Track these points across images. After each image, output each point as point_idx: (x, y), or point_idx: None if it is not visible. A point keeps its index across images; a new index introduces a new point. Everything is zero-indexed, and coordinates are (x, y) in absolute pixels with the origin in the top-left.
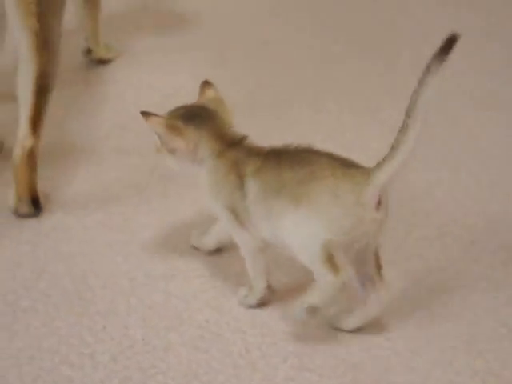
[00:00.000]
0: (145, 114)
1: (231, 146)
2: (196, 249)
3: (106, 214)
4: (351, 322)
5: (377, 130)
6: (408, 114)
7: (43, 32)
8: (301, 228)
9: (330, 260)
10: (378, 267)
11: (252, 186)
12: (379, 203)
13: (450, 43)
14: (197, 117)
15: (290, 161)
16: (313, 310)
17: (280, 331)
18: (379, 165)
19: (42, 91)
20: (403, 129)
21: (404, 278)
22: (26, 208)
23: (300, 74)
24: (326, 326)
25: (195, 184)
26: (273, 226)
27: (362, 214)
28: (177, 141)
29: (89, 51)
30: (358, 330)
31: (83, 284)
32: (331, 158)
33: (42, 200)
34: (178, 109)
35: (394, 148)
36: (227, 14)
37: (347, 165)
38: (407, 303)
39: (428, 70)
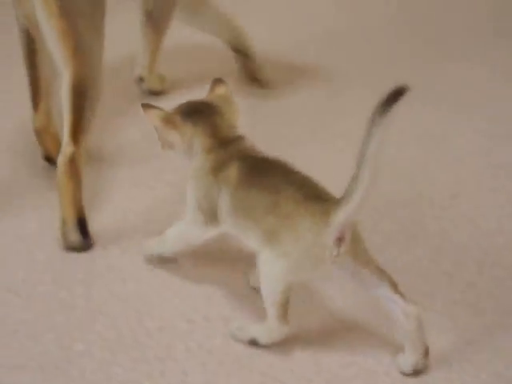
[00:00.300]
0: (145, 105)
1: (223, 144)
2: (256, 290)
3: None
4: (407, 361)
5: None
6: (358, 164)
7: (73, 33)
8: (268, 270)
9: (284, 307)
10: (394, 286)
11: (225, 195)
12: (341, 240)
13: (396, 95)
14: (197, 113)
15: (260, 182)
16: (254, 343)
17: (344, 378)
18: (334, 208)
19: (80, 97)
20: (354, 178)
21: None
22: (73, 235)
23: None
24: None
25: None
26: (240, 234)
27: (321, 253)
28: (172, 134)
29: (141, 79)
30: (422, 371)
31: (139, 327)
32: (300, 186)
33: (90, 229)
34: (182, 104)
35: (347, 193)
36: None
37: (312, 197)
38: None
39: (372, 121)
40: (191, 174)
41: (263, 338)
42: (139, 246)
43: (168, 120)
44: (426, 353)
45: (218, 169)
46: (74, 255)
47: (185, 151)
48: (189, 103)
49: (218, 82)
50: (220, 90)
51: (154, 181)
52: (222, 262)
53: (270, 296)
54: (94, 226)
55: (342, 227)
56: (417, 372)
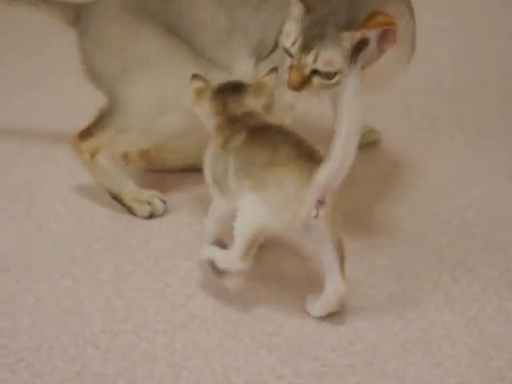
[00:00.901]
0: (194, 76)
1: (231, 122)
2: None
3: (247, 301)
4: (314, 308)
5: None
6: (335, 123)
7: None
8: (248, 208)
9: (250, 247)
10: (341, 259)
11: (231, 162)
12: (321, 202)
13: (361, 45)
14: (224, 91)
15: (261, 143)
16: (211, 263)
17: None
18: (319, 168)
19: None
20: (333, 138)
21: None
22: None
23: None
24: None
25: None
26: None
27: (297, 209)
28: (195, 104)
29: None
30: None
31: (225, 382)
32: (295, 145)
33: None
34: (223, 82)
35: (328, 153)
36: None
37: (305, 156)
38: None
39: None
40: (206, 155)
41: (220, 262)
42: (225, 295)
43: (197, 92)
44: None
45: (226, 143)
46: (154, 304)
47: (206, 123)
48: (226, 83)
49: (272, 71)
50: (266, 79)
51: None
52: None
53: (241, 231)
54: (178, 272)
55: (323, 188)
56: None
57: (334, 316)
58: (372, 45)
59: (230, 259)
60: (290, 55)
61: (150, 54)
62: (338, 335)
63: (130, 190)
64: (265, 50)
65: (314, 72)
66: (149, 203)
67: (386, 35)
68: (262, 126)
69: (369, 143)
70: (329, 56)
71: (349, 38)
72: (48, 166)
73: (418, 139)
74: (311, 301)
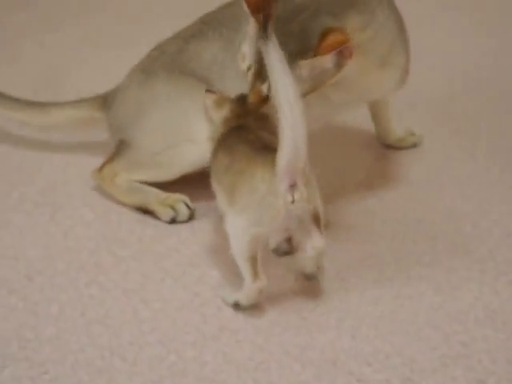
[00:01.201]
0: (208, 90)
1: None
2: None
3: (280, 312)
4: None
5: None
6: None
7: None
8: (231, 228)
9: (253, 264)
10: (316, 218)
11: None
12: (293, 186)
13: (264, 22)
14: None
15: (224, 145)
16: (237, 306)
17: None
18: (277, 155)
19: None
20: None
21: None
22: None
23: None
24: None
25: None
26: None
27: (276, 202)
28: (214, 111)
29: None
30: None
31: None
32: (253, 142)
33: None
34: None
35: (280, 137)
36: None
37: (262, 149)
38: None
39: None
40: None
41: (243, 300)
42: (256, 305)
43: (218, 101)
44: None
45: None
46: (183, 315)
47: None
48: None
49: None
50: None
51: None
52: (345, 326)
53: (238, 255)
54: (208, 281)
55: (289, 172)
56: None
57: (369, 329)
58: (328, 63)
59: (246, 289)
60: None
61: (160, 95)
62: (374, 349)
63: (154, 194)
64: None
65: None
66: (172, 208)
67: (342, 51)
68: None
69: (410, 147)
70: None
71: (304, 66)
72: (73, 170)
73: (457, 143)
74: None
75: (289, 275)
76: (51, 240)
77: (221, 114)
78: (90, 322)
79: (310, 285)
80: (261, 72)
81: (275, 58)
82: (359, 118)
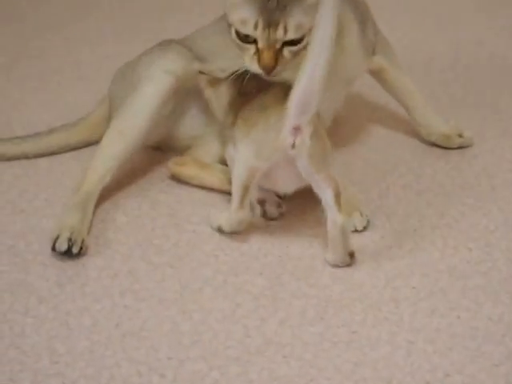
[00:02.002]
0: (200, 73)
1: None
2: None
3: (328, 325)
4: (328, 254)
5: None
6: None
7: None
8: (239, 154)
9: (244, 193)
10: (336, 196)
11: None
12: (297, 129)
13: None
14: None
15: (252, 98)
16: (221, 230)
17: None
18: (291, 92)
19: None
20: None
21: None
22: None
23: None
24: None
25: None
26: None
27: (275, 137)
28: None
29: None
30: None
31: None
32: (283, 88)
33: None
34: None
35: (299, 74)
36: None
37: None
38: None
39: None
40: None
41: (226, 226)
42: (303, 316)
43: (212, 82)
44: (351, 255)
45: (235, 115)
46: (225, 327)
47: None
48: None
49: None
50: None
51: None
52: (399, 339)
53: (234, 179)
54: (251, 291)
55: (297, 113)
56: (339, 267)
57: (425, 343)
58: None
59: (232, 216)
60: (251, 41)
61: None
62: (432, 366)
63: None
64: None
65: (284, 44)
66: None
67: None
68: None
69: (456, 147)
70: (297, 22)
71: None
72: None
73: (510, 145)
74: (326, 254)
75: (334, 285)
76: None
77: (219, 90)
78: (125, 335)
79: (356, 296)
80: (271, 22)
81: (329, 6)
82: (401, 115)
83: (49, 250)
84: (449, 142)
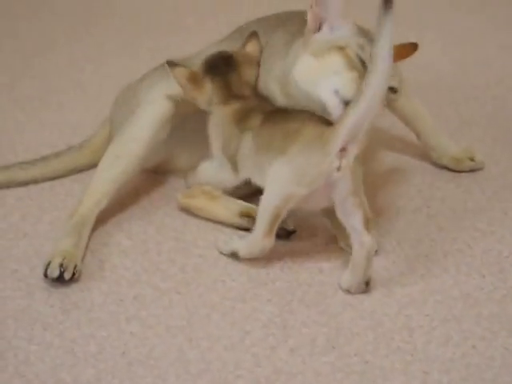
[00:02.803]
0: (171, 64)
1: (239, 98)
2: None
3: (339, 354)
4: (344, 278)
5: None
6: (368, 65)
7: None
8: (273, 177)
9: (275, 221)
10: (366, 220)
11: (247, 138)
12: (343, 150)
13: None
14: (216, 69)
15: (279, 121)
16: (234, 256)
17: None
18: (346, 110)
19: None
20: (365, 79)
21: None
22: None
23: None
24: None
25: None
26: (259, 175)
27: (323, 162)
28: (194, 90)
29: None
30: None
31: None
32: (311, 115)
33: None
34: (207, 58)
35: (355, 98)
36: None
37: (321, 120)
38: None
39: (379, 21)
40: (212, 123)
41: (244, 251)
42: (314, 344)
43: (191, 78)
44: (367, 283)
45: (239, 119)
46: (234, 355)
47: (205, 104)
48: (212, 58)
49: (252, 36)
50: (250, 47)
51: None
52: None
53: (266, 205)
54: (260, 318)
55: (348, 134)
56: (351, 293)
57: (440, 374)
58: None
59: (254, 244)
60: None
61: None
62: None
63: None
64: None
65: None
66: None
67: None
68: (277, 109)
69: (467, 171)
70: None
71: None
72: None
73: None
74: (343, 276)
75: (344, 313)
76: (86, 269)
77: (204, 95)
78: (131, 363)
79: (368, 324)
80: None
81: (389, 27)
82: (410, 136)
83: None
84: (460, 165)
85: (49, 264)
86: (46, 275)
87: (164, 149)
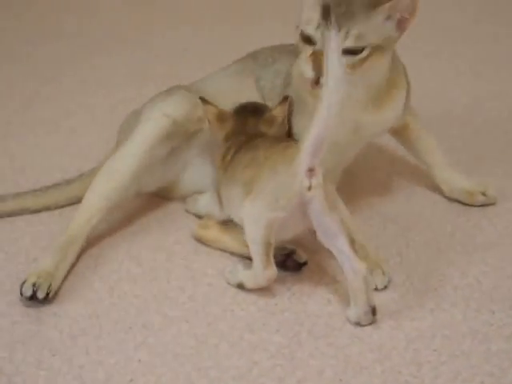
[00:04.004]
0: (204, 101)
1: (237, 136)
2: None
3: None
4: (350, 311)
5: None
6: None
7: None
8: (248, 212)
9: (267, 250)
10: (351, 242)
11: (223, 176)
12: (311, 170)
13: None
14: (245, 112)
15: (244, 151)
16: (241, 286)
17: None
18: (305, 133)
19: None
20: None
21: None
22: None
23: None
24: None
25: None
26: (230, 208)
27: (293, 184)
28: (218, 127)
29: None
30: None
31: None
32: (276, 140)
33: None
34: (243, 103)
35: (313, 116)
36: None
37: (286, 143)
38: None
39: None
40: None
41: (249, 283)
42: (322, 376)
43: (219, 116)
44: (373, 311)
45: (223, 158)
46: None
47: (222, 139)
48: (246, 104)
49: (284, 101)
50: (278, 110)
51: None
52: None
53: (253, 240)
54: (268, 348)
55: (312, 156)
56: (361, 325)
57: None
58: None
59: (255, 274)
60: (312, 42)
61: None
62: None
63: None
64: None
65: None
66: None
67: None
68: (246, 140)
69: (478, 205)
70: (360, 31)
71: (380, 12)
72: (118, 220)
73: None
74: (349, 311)
75: (352, 345)
76: (96, 296)
77: (224, 131)
78: None
79: (376, 357)
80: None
81: (334, 46)
82: (421, 168)
83: (63, 299)
84: (471, 199)
85: (23, 283)
86: (21, 294)
87: (164, 171)
